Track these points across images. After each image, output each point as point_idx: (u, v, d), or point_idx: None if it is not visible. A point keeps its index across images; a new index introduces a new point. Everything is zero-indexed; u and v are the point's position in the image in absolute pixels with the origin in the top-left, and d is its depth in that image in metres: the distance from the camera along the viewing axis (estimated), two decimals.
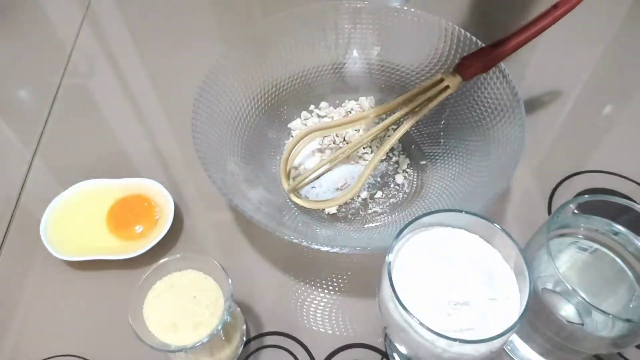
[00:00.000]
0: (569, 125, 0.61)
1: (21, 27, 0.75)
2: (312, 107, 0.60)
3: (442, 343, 0.31)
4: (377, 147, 0.55)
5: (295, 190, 0.52)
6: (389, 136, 0.53)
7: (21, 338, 0.48)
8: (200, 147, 0.48)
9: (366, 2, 0.57)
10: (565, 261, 0.40)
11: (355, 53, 0.60)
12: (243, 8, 0.76)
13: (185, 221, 0.54)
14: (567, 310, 0.37)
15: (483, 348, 0.32)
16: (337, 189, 0.53)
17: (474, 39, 0.53)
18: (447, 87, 0.48)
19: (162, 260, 0.40)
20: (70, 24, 0.74)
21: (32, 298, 0.50)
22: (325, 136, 0.56)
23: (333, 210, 0.52)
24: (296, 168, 0.55)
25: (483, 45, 0.53)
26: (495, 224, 0.35)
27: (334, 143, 0.56)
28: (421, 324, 0.31)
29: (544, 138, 0.60)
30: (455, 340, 0.31)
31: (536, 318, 0.38)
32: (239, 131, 0.55)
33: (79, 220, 0.52)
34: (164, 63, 0.69)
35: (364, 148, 0.55)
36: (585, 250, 0.40)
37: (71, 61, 0.70)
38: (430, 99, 0.48)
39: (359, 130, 0.56)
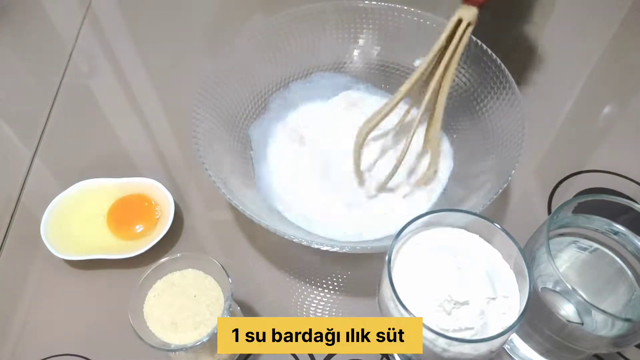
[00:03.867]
0: (569, 125, 0.61)
1: (22, 27, 0.75)
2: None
3: (442, 342, 0.31)
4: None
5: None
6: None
7: (21, 337, 0.48)
8: (201, 146, 0.48)
9: (366, 2, 0.57)
10: (565, 261, 0.40)
11: (355, 53, 0.60)
12: (243, 8, 0.76)
13: (186, 221, 0.54)
14: (566, 310, 0.37)
15: (483, 347, 0.32)
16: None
17: (474, 38, 0.53)
18: (468, 24, 0.47)
19: (162, 260, 0.41)
20: (71, 23, 0.75)
21: (33, 297, 0.50)
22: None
23: None
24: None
25: (483, 45, 0.53)
26: (495, 224, 0.35)
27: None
28: None
29: (544, 138, 0.60)
30: (455, 339, 0.31)
31: (536, 317, 0.38)
32: (239, 131, 0.55)
33: (79, 220, 0.52)
34: (165, 62, 0.69)
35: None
36: (585, 249, 0.41)
37: (72, 61, 0.70)
38: (456, 47, 0.47)
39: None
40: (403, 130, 0.55)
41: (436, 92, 0.50)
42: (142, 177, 0.55)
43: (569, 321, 0.37)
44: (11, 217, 0.55)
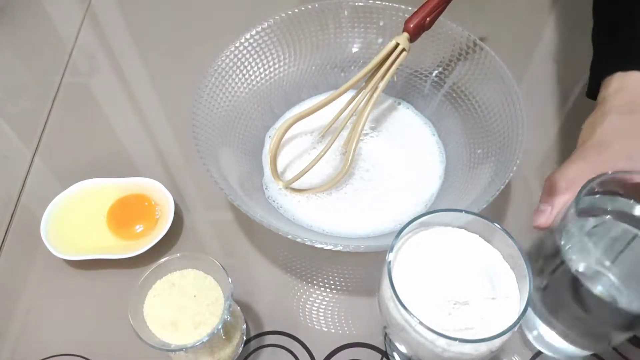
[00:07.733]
0: (569, 125, 0.61)
1: (22, 26, 0.75)
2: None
3: (442, 342, 0.31)
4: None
5: (290, 186, 0.52)
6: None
7: (21, 337, 0.48)
8: (201, 146, 0.48)
9: (366, 2, 0.57)
10: (596, 241, 0.40)
11: (355, 53, 0.60)
12: (243, 8, 0.76)
13: (186, 220, 0.54)
14: (600, 288, 0.36)
15: (483, 347, 0.32)
16: None
17: (471, 35, 0.53)
18: (403, 50, 0.49)
19: (162, 260, 0.41)
20: (71, 22, 0.75)
21: (33, 297, 0.50)
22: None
23: None
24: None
25: (482, 43, 0.53)
26: (495, 224, 0.35)
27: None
28: (421, 323, 0.31)
29: (544, 138, 0.60)
30: (455, 339, 0.31)
31: (566, 300, 0.37)
32: (239, 130, 0.55)
33: (79, 220, 0.52)
34: (164, 62, 0.69)
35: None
36: (611, 229, 0.40)
37: (72, 60, 0.70)
38: (390, 66, 0.49)
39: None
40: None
41: (359, 113, 0.50)
42: (142, 177, 0.55)
43: (603, 300, 0.36)
44: (11, 217, 0.55)
